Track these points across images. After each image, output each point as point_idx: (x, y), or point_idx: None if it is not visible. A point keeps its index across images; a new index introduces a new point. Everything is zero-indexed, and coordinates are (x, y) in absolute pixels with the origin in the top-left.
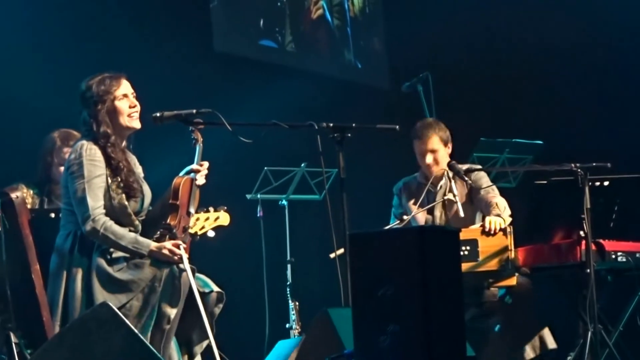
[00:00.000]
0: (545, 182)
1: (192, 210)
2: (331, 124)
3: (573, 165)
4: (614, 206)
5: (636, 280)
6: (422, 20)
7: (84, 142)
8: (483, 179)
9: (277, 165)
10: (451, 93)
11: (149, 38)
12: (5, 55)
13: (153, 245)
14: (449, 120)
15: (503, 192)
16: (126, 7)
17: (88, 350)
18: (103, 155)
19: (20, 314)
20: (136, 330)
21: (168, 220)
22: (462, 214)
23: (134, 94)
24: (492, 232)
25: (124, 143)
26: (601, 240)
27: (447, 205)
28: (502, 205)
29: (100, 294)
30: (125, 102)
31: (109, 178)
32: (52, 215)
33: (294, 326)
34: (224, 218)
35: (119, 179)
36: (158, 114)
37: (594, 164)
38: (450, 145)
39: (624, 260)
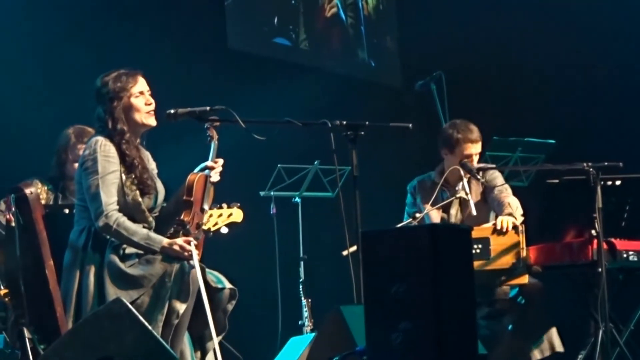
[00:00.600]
0: (557, 181)
1: (205, 207)
2: (344, 122)
3: (585, 164)
4: (626, 205)
5: None
6: (435, 19)
7: (99, 138)
8: (498, 178)
9: (291, 163)
10: (464, 92)
11: (163, 36)
12: (19, 52)
13: (165, 241)
14: (461, 119)
15: (515, 191)
16: (141, 5)
17: (101, 345)
18: (117, 151)
19: (34, 309)
20: (149, 326)
21: (182, 217)
22: (474, 212)
23: (150, 92)
24: (504, 231)
25: (138, 139)
26: (613, 240)
27: (463, 203)
28: (514, 205)
29: (112, 290)
30: (141, 99)
31: (123, 175)
32: (66, 211)
33: (306, 323)
34: (237, 215)
35: (133, 176)
36: (172, 111)
37: (606, 163)
38: None
39: (635, 259)
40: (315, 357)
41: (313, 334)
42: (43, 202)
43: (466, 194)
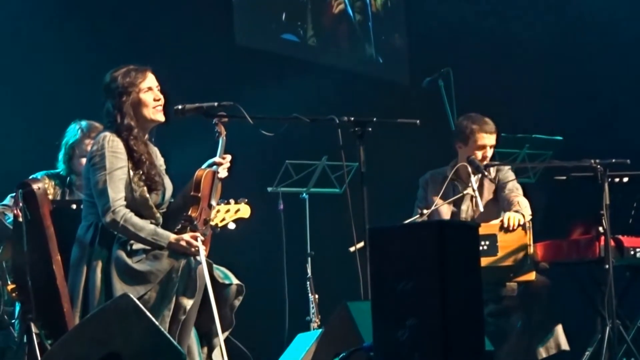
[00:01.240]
0: (564, 178)
1: (213, 202)
2: (352, 118)
3: (592, 161)
4: (633, 202)
5: None
6: (443, 15)
7: (107, 133)
8: (510, 177)
9: (298, 159)
10: (472, 88)
11: (171, 32)
12: (30, 48)
13: (172, 237)
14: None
15: (523, 188)
16: (149, 1)
17: (108, 341)
18: (125, 147)
19: (41, 305)
20: (156, 322)
21: (189, 212)
22: (481, 208)
23: (159, 87)
24: (511, 228)
25: (146, 135)
26: (620, 237)
27: (475, 200)
28: (523, 204)
29: (119, 285)
30: (150, 94)
31: (130, 170)
32: (74, 206)
33: (313, 319)
34: (244, 210)
35: (141, 172)
36: (180, 107)
37: (614, 160)
38: None
39: None
40: (322, 353)
41: (320, 330)
42: (50, 197)
43: (473, 190)
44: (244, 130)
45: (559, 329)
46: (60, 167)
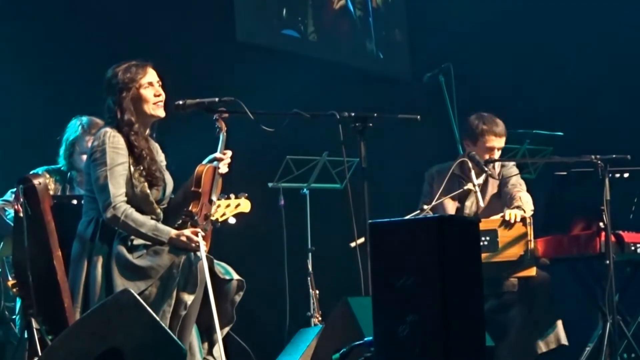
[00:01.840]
0: (565, 173)
1: (214, 198)
2: (353, 114)
3: (593, 156)
4: (634, 198)
5: None
6: (443, 11)
7: (108, 129)
8: (514, 173)
9: (299, 154)
10: (472, 84)
11: (172, 27)
12: (30, 46)
13: (173, 232)
14: (470, 111)
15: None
16: None
17: (109, 336)
18: (126, 143)
19: (42, 300)
20: (157, 317)
21: (190, 208)
22: (481, 204)
23: (160, 83)
24: (512, 222)
25: (147, 131)
26: (620, 232)
27: (477, 195)
28: (525, 199)
29: (120, 281)
30: (151, 90)
31: (131, 166)
32: (74, 202)
33: (314, 315)
34: (244, 205)
35: (142, 168)
36: (180, 102)
37: (614, 156)
38: None
39: None
40: (322, 349)
41: (321, 326)
42: (51, 193)
43: (474, 185)
44: (244, 125)
45: (559, 324)
46: (61, 163)
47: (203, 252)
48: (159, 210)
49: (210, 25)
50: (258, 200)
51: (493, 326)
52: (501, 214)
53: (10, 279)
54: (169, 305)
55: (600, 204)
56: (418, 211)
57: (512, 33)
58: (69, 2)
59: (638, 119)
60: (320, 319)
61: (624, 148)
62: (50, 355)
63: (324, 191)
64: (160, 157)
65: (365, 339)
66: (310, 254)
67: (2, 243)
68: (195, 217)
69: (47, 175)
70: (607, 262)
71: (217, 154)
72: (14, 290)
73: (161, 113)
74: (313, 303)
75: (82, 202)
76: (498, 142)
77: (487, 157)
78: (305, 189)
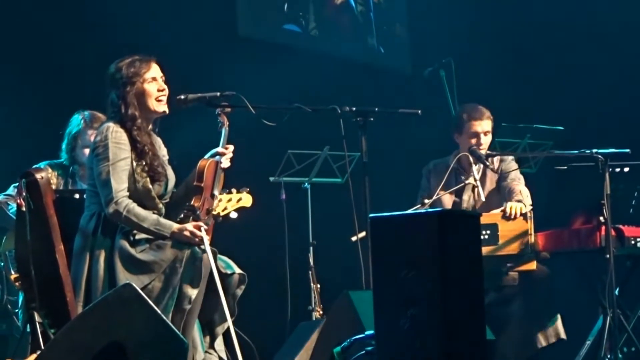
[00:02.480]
0: (565, 167)
1: (216, 192)
2: (354, 108)
3: (593, 151)
4: (634, 192)
5: None
6: (444, 5)
7: (110, 124)
8: (513, 167)
9: (300, 149)
10: (473, 78)
11: (174, 22)
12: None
13: (175, 227)
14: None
15: (524, 177)
16: None
17: (111, 330)
18: (129, 138)
19: (44, 294)
20: (159, 311)
21: (192, 202)
22: (482, 198)
23: (163, 78)
24: (513, 217)
25: (150, 126)
26: (621, 226)
27: (476, 189)
28: (524, 193)
29: (123, 275)
30: (154, 85)
31: (134, 161)
32: (77, 196)
33: (315, 308)
34: (246, 199)
35: (144, 163)
36: (182, 97)
37: (614, 150)
38: None
39: None
40: (324, 343)
41: (322, 320)
42: (53, 187)
43: (475, 180)
44: (246, 120)
45: (559, 318)
46: (63, 157)
47: (207, 246)
48: (161, 205)
49: (212, 19)
50: (259, 194)
51: (493, 320)
52: (501, 208)
53: (13, 272)
54: (172, 299)
55: (601, 198)
56: (419, 205)
57: (512, 27)
58: None
59: (638, 113)
60: (321, 312)
61: (624, 142)
62: (53, 349)
63: (325, 185)
64: (163, 152)
65: (366, 332)
66: (311, 248)
67: (4, 237)
68: (198, 212)
69: (50, 170)
70: (607, 256)
71: (219, 149)
72: (17, 284)
73: (164, 108)
74: (314, 297)
75: (85, 196)
76: (480, 126)
77: (473, 142)
78: (306, 183)
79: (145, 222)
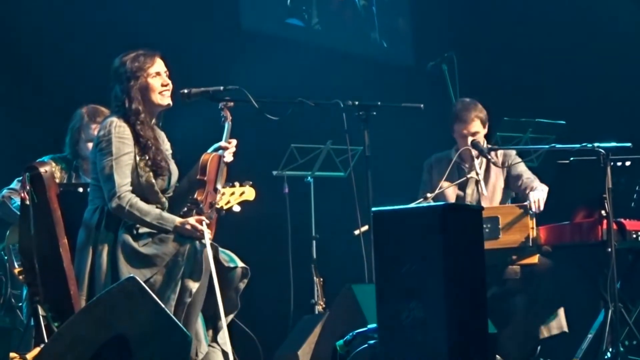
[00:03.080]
0: (567, 161)
1: (219, 186)
2: (357, 102)
3: (595, 145)
4: (636, 186)
5: None
6: None
7: (114, 119)
8: (518, 160)
9: (303, 143)
10: (475, 72)
11: (177, 16)
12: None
13: (177, 220)
14: (471, 98)
15: None
16: None
17: (114, 323)
18: (132, 132)
19: (48, 288)
20: (162, 304)
21: (195, 196)
22: (485, 192)
23: (167, 72)
24: (538, 211)
25: (153, 120)
26: (622, 220)
27: (480, 183)
28: (542, 188)
29: (126, 268)
30: (158, 79)
31: (137, 156)
32: (81, 189)
33: (318, 302)
34: (249, 193)
35: (147, 157)
36: (185, 91)
37: (616, 144)
38: (487, 125)
39: None
40: (326, 336)
41: (325, 313)
42: (57, 181)
43: (477, 174)
44: (249, 114)
45: (561, 311)
46: (67, 151)
47: (207, 240)
48: (164, 200)
49: (215, 14)
50: (262, 188)
51: (496, 313)
52: (524, 203)
53: (17, 266)
54: (174, 292)
55: (602, 192)
56: (421, 199)
57: (514, 22)
58: None
59: (639, 107)
60: (324, 306)
61: (625, 136)
62: (56, 342)
63: (328, 179)
64: (166, 146)
65: (369, 325)
66: (314, 242)
67: (8, 231)
68: (201, 205)
69: (53, 163)
70: (609, 249)
71: (222, 143)
72: (21, 277)
73: (167, 102)
74: (317, 290)
75: (88, 190)
76: (467, 129)
77: (462, 142)
78: (309, 177)
79: (147, 216)
